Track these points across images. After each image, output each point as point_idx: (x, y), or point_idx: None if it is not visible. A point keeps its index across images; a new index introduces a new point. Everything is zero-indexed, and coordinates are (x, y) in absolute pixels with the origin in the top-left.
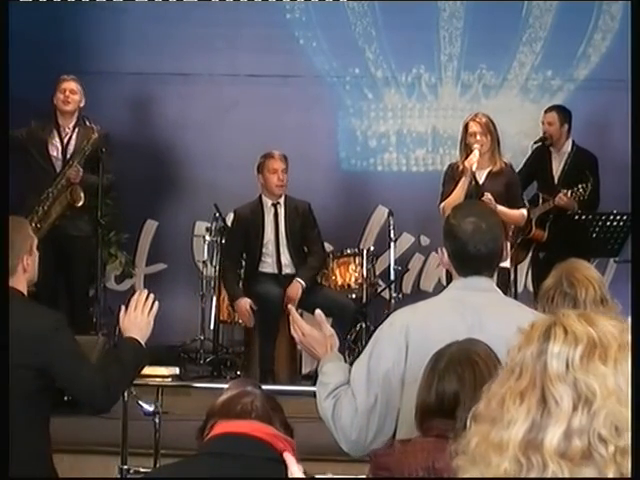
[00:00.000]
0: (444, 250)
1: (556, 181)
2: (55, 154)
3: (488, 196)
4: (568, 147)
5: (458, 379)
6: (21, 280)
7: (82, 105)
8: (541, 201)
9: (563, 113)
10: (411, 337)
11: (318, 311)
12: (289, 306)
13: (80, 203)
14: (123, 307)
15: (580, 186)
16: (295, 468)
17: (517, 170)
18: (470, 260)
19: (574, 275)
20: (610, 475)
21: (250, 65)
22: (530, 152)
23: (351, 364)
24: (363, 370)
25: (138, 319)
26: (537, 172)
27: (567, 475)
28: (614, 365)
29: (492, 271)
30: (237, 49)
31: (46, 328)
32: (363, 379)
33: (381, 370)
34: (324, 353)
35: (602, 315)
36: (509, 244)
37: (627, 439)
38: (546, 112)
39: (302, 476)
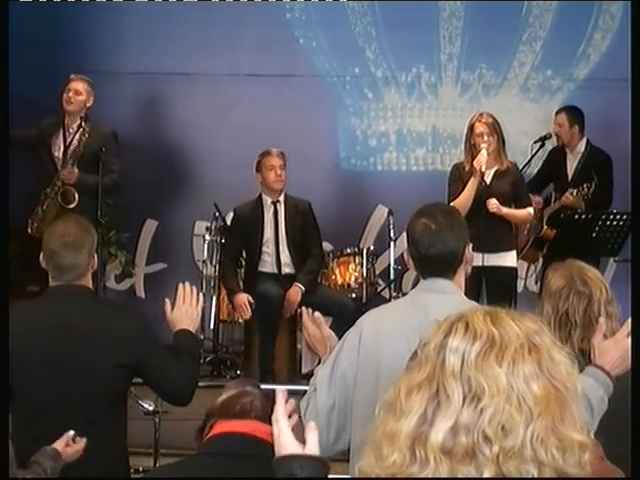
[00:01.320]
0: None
1: (570, 181)
2: (57, 154)
3: (493, 201)
4: (582, 147)
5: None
6: (89, 279)
7: (89, 105)
8: (553, 201)
9: (573, 114)
10: (363, 337)
11: (317, 313)
12: (303, 309)
13: (73, 205)
14: (168, 302)
15: (585, 185)
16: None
17: (536, 170)
18: (424, 262)
19: (586, 274)
20: (486, 475)
21: (250, 65)
22: (547, 154)
23: None
24: (326, 372)
25: (189, 311)
26: (553, 172)
27: (445, 474)
28: (509, 366)
29: (451, 273)
30: (237, 49)
31: (135, 327)
32: (325, 381)
33: (339, 371)
34: (324, 353)
35: (523, 316)
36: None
37: (515, 440)
38: (556, 114)
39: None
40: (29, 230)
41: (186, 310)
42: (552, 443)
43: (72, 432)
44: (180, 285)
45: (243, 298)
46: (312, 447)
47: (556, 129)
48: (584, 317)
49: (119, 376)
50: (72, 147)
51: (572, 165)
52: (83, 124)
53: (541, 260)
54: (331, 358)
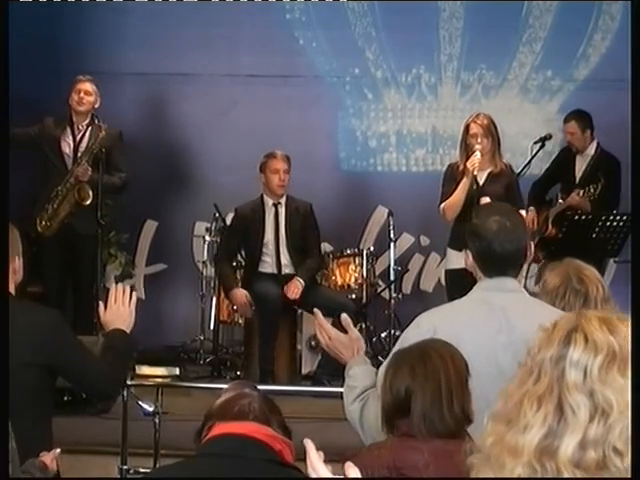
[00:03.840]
0: (468, 252)
1: (577, 182)
2: (67, 151)
3: (486, 199)
4: (592, 150)
5: (410, 372)
6: (9, 282)
7: (97, 106)
8: (559, 201)
9: (583, 119)
10: (438, 337)
11: (344, 315)
12: (315, 310)
13: (88, 202)
14: (102, 303)
15: (591, 186)
16: (314, 455)
17: (544, 169)
18: (495, 260)
19: (583, 272)
20: None
21: (250, 65)
22: (556, 154)
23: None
24: None
25: (120, 311)
26: (561, 173)
27: None
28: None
29: (517, 271)
30: (237, 49)
31: (46, 324)
32: (380, 381)
33: None
34: (350, 357)
35: (619, 318)
36: (533, 244)
37: None
38: (565, 122)
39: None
40: (37, 228)
41: (117, 310)
42: None
43: (59, 450)
44: (112, 286)
45: (242, 296)
46: None
47: (568, 137)
48: None
49: (28, 375)
50: (84, 145)
51: (581, 167)
52: (98, 122)
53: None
54: None
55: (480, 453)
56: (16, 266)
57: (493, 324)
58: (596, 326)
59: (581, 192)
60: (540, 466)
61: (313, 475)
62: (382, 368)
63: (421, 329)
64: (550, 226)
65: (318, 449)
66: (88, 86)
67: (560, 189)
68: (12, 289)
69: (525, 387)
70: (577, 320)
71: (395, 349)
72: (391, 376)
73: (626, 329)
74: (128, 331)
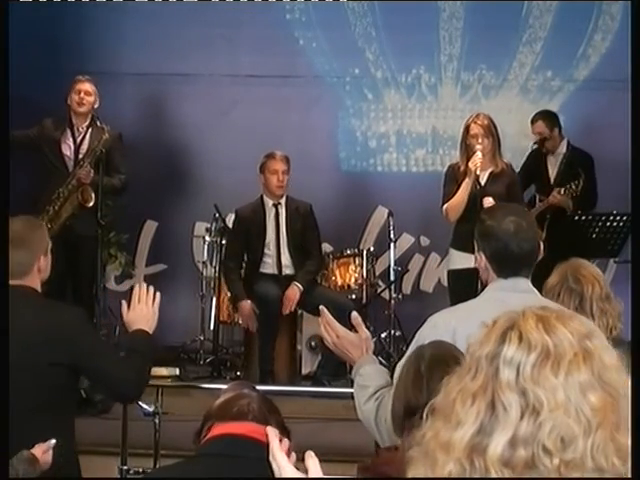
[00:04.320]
0: (481, 253)
1: (552, 182)
2: (68, 153)
3: (489, 200)
4: (563, 148)
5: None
6: (35, 280)
7: (96, 106)
8: (538, 202)
9: (549, 118)
10: (458, 338)
11: (355, 313)
12: (321, 307)
13: (91, 203)
14: (124, 302)
15: (572, 183)
16: (276, 445)
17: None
18: (511, 260)
19: (580, 272)
20: None
21: (250, 65)
22: (526, 156)
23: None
24: None
25: (144, 311)
26: (534, 175)
27: None
28: (565, 377)
29: (530, 271)
30: (237, 49)
31: (72, 324)
32: (397, 378)
33: None
34: (359, 356)
35: (571, 318)
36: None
37: (575, 452)
38: (532, 123)
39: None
40: None
41: (141, 310)
42: (612, 452)
43: (54, 441)
44: (136, 285)
45: (250, 310)
46: (315, 472)
47: (537, 138)
48: None
49: (53, 374)
50: (84, 147)
51: (554, 166)
52: (100, 124)
53: (540, 261)
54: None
55: (419, 447)
56: (42, 264)
57: None
58: (532, 324)
59: (562, 190)
60: (469, 463)
61: (273, 465)
62: (399, 368)
63: (438, 329)
64: None
65: (318, 449)
66: (88, 86)
67: (536, 190)
68: (38, 287)
69: (462, 383)
70: (515, 318)
71: (411, 349)
72: (425, 379)
73: (565, 329)
74: (151, 332)
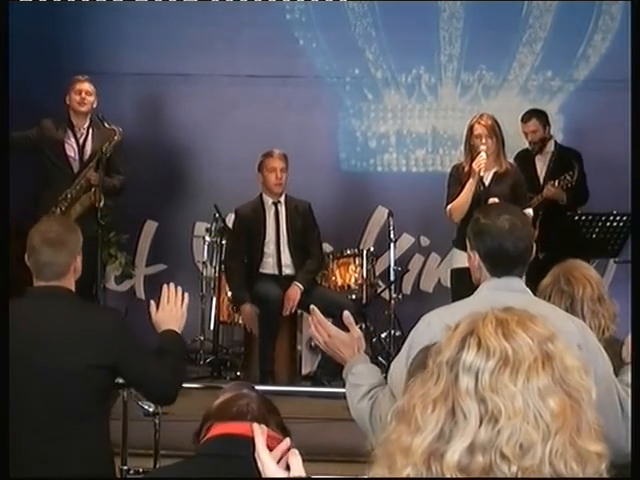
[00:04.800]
0: (474, 252)
1: (542, 180)
2: (72, 154)
3: (495, 200)
4: (551, 147)
5: None
6: (71, 280)
7: (95, 106)
8: (529, 199)
9: (542, 116)
10: None
11: (347, 312)
12: (312, 306)
13: (101, 204)
14: (153, 302)
15: (567, 174)
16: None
17: None
18: (505, 259)
19: (572, 273)
20: None
21: (250, 65)
22: (513, 158)
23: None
24: (404, 371)
25: (173, 311)
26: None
27: None
28: (524, 383)
29: (523, 270)
30: (237, 49)
31: (112, 326)
32: (405, 380)
33: None
34: (351, 355)
35: (533, 320)
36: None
37: (533, 458)
38: (525, 122)
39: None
40: None
41: (170, 310)
42: (571, 457)
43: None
44: (165, 286)
45: (252, 313)
46: (297, 470)
47: (530, 137)
48: None
49: (95, 377)
50: (89, 147)
51: (543, 165)
52: (95, 124)
53: (540, 261)
54: (404, 357)
55: (382, 447)
56: (78, 264)
57: None
58: (491, 330)
59: (556, 182)
60: (426, 469)
61: (258, 462)
62: (395, 367)
63: (432, 327)
64: None
65: (318, 449)
66: (88, 86)
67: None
68: (73, 287)
69: (425, 388)
70: (474, 323)
71: (405, 348)
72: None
73: (524, 334)
74: (179, 332)
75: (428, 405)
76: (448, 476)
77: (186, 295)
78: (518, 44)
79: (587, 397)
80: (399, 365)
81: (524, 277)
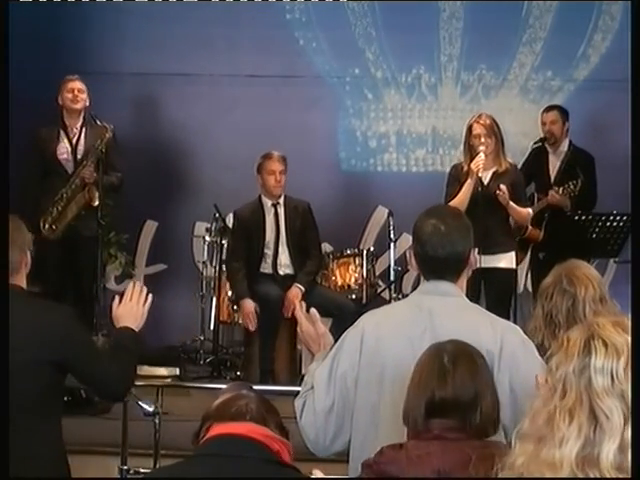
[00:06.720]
0: (411, 254)
1: (552, 180)
2: (65, 156)
3: (503, 188)
4: (565, 147)
5: (470, 375)
6: (22, 277)
7: (87, 104)
8: (536, 201)
9: (563, 112)
10: (365, 339)
11: (313, 310)
12: (295, 301)
13: (96, 203)
14: (117, 297)
15: (570, 182)
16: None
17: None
18: (429, 263)
19: (574, 273)
20: None
21: (250, 65)
22: (528, 153)
23: None
24: (325, 372)
25: (134, 309)
26: (535, 173)
27: None
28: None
29: (456, 276)
30: (237, 49)
31: (59, 322)
32: (324, 381)
33: (340, 372)
34: (317, 351)
35: (617, 316)
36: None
37: None
38: (547, 112)
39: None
40: (42, 231)
41: (131, 308)
42: None
43: None
44: (130, 283)
45: (251, 308)
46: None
47: (548, 127)
48: (568, 316)
49: (43, 372)
50: (82, 146)
51: (555, 165)
52: (100, 122)
53: (528, 260)
54: (330, 357)
55: (510, 470)
56: (27, 260)
57: (418, 327)
58: (611, 330)
59: (560, 189)
60: (583, 475)
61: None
62: (322, 369)
63: (357, 329)
64: (530, 226)
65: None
66: (79, 84)
67: (535, 189)
68: (24, 284)
69: (552, 404)
70: (590, 328)
71: (337, 346)
72: (450, 375)
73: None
74: (137, 330)
75: (565, 416)
76: (607, 476)
77: (150, 296)
78: (518, 44)
79: None
80: (324, 366)
81: (462, 280)
